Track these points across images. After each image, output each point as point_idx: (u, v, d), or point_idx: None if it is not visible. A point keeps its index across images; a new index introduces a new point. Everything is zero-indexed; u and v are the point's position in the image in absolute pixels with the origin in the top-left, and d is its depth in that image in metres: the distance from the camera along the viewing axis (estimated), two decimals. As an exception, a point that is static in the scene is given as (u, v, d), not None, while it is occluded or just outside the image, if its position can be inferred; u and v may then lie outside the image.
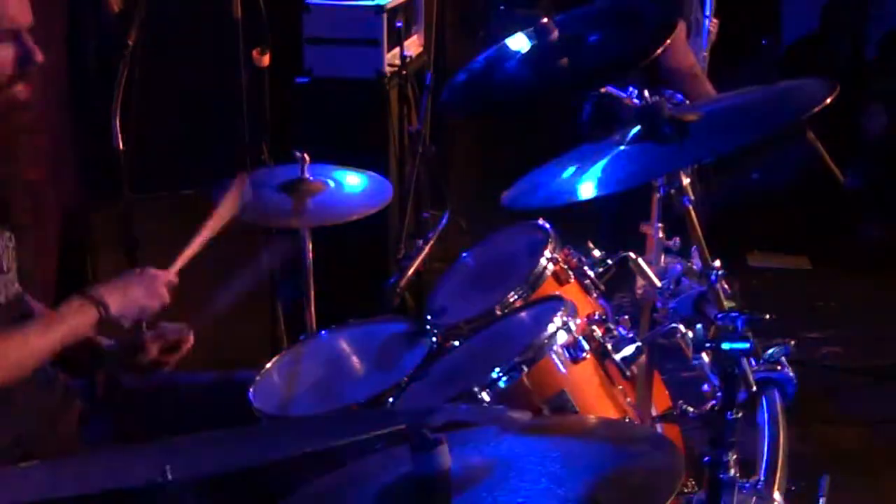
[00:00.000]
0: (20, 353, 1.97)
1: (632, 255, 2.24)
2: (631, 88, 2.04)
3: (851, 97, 5.39)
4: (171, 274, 2.22)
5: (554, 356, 2.01)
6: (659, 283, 2.16)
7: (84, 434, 2.19)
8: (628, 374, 2.08)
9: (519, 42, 2.38)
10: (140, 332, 2.22)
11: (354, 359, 2.44)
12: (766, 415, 1.92)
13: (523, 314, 2.25)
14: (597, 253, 2.42)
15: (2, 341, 1.96)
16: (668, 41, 2.13)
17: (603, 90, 2.07)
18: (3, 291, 2.06)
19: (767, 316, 1.75)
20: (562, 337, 2.02)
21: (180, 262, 2.29)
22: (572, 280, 2.35)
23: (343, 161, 2.94)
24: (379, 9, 4.12)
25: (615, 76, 2.11)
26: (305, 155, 2.76)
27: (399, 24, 4.18)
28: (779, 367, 1.90)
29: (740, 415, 1.69)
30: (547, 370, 2.00)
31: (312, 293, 2.91)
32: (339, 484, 1.56)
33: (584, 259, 2.41)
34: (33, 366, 2.01)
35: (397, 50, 4.15)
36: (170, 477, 1.25)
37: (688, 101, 2.12)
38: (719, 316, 1.77)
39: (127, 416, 2.29)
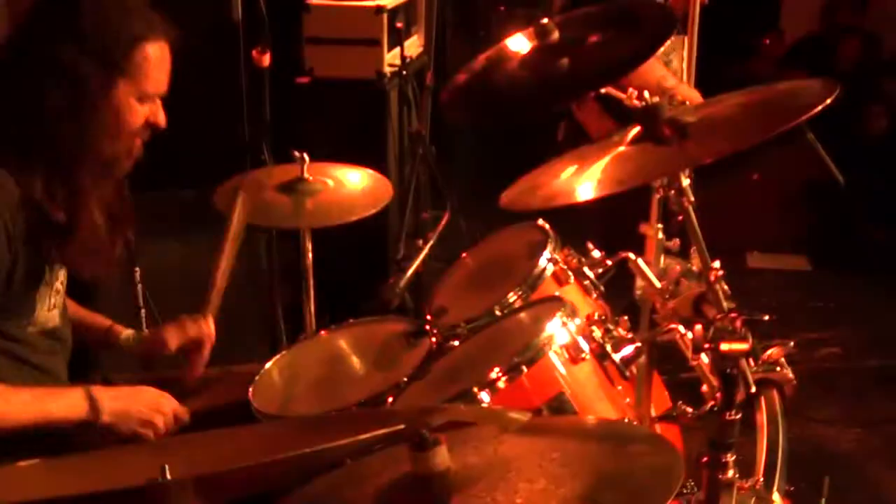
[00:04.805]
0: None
1: (631, 255, 2.24)
2: (631, 89, 2.04)
3: (852, 98, 5.39)
4: (181, 410, 2.19)
5: (553, 357, 2.01)
6: (658, 284, 2.16)
7: (84, 434, 2.18)
8: (627, 374, 2.08)
9: (519, 42, 2.37)
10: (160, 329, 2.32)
11: (354, 359, 2.44)
12: (765, 416, 1.92)
13: (523, 314, 2.25)
14: (596, 253, 2.42)
15: None
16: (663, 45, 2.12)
17: (603, 91, 2.07)
18: (47, 322, 2.16)
19: (767, 316, 1.75)
20: (561, 337, 2.02)
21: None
22: (572, 280, 2.36)
23: (343, 161, 2.95)
24: (379, 9, 4.12)
25: (615, 77, 2.11)
26: (305, 155, 2.76)
27: (399, 25, 4.18)
28: (778, 368, 1.91)
29: (739, 415, 1.69)
30: (546, 371, 2.00)
31: (312, 293, 2.92)
32: (339, 484, 1.56)
33: (583, 259, 2.41)
34: (8, 427, 2.00)
35: (397, 50, 4.16)
36: (169, 477, 1.25)
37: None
38: (718, 316, 1.77)
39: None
